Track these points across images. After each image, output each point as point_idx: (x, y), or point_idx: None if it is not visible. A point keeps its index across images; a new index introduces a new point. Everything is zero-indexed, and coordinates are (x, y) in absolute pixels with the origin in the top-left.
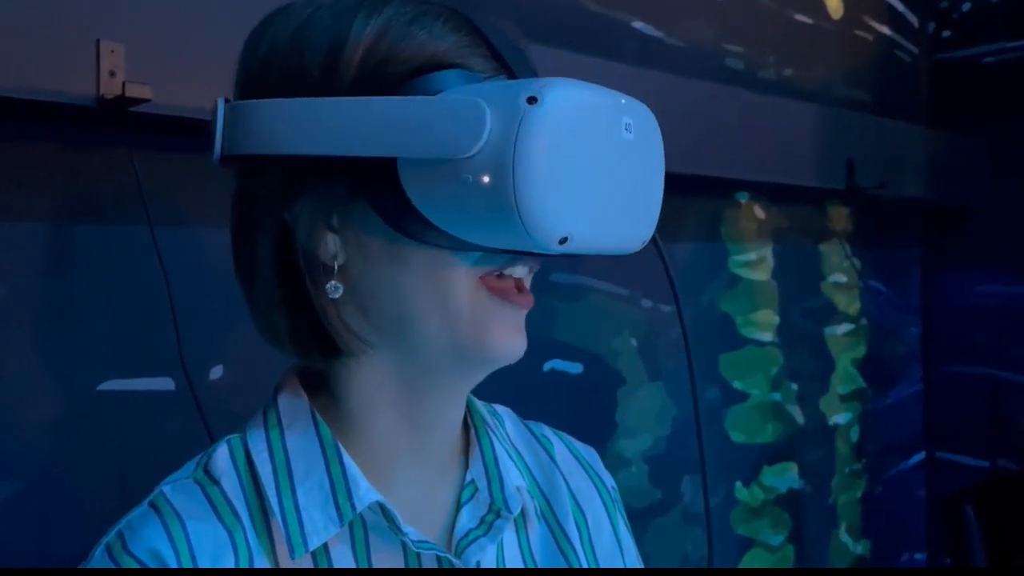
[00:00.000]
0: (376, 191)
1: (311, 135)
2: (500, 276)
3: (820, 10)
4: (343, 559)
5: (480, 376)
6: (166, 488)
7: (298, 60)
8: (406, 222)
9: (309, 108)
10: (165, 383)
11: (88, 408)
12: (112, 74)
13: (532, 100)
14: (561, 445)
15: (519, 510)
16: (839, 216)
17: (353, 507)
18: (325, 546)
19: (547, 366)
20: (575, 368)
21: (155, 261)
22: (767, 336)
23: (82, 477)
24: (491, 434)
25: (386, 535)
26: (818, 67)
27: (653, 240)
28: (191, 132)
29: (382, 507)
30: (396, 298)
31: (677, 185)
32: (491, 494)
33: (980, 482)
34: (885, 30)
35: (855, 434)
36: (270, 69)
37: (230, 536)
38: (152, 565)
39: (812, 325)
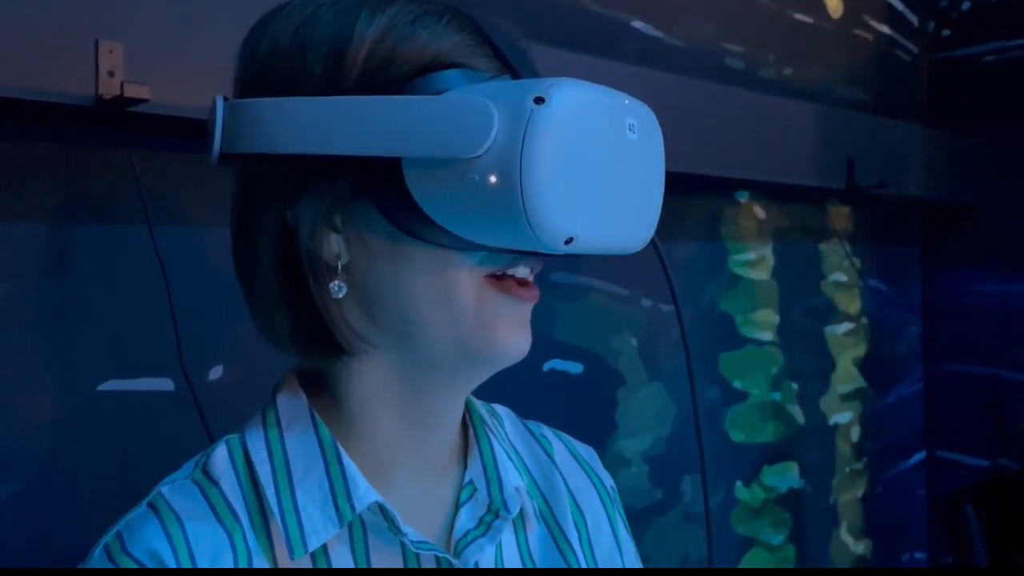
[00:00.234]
0: (380, 191)
1: (315, 134)
2: (503, 276)
3: (820, 9)
4: (342, 560)
5: (483, 377)
6: (165, 489)
7: (300, 59)
8: (410, 222)
9: (313, 107)
10: (165, 383)
11: (88, 408)
12: (111, 74)
13: (539, 100)
14: (560, 445)
15: (518, 510)
16: (839, 215)
17: (352, 508)
18: (324, 547)
19: (547, 366)
20: (575, 368)
21: (154, 261)
22: (767, 335)
23: (82, 477)
24: (490, 434)
25: (385, 535)
26: (818, 66)
27: (652, 240)
28: (190, 132)
29: (381, 508)
30: (399, 297)
31: (677, 184)
32: (490, 494)
33: (981, 481)
34: (885, 29)
35: (856, 433)
36: (271, 68)
37: (229, 537)
38: (151, 566)
39: (812, 324)
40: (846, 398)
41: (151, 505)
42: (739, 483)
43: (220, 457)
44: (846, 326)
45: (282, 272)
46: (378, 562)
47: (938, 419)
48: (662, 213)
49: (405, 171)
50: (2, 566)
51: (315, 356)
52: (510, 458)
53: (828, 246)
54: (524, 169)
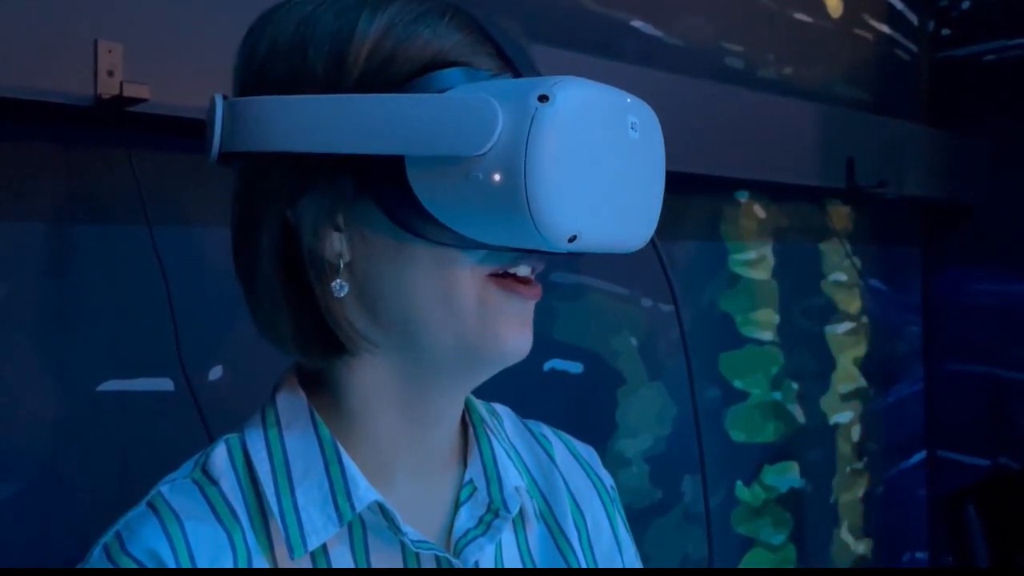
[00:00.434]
0: (383, 189)
1: (317, 132)
2: (504, 275)
3: (820, 9)
4: (342, 559)
5: (484, 376)
6: (164, 488)
7: (301, 57)
8: (413, 220)
9: (315, 105)
10: (164, 383)
11: (87, 408)
12: (110, 74)
13: (544, 98)
14: (560, 445)
15: (517, 510)
16: (839, 215)
17: (352, 507)
18: (324, 547)
19: (547, 366)
20: (575, 368)
21: (154, 261)
22: (767, 335)
23: (82, 477)
24: (490, 433)
25: (385, 535)
26: (818, 66)
27: (652, 242)
28: (189, 132)
29: (381, 507)
30: (402, 296)
31: (677, 184)
32: (490, 494)
33: (982, 481)
34: (885, 29)
35: (856, 433)
36: (271, 66)
37: (228, 536)
38: (150, 566)
39: (813, 324)
40: (846, 398)
41: (150, 504)
42: (739, 483)
43: (220, 456)
44: (846, 326)
45: (283, 271)
46: (378, 561)
47: (938, 419)
48: (662, 213)
49: (408, 170)
50: (2, 566)
51: (316, 355)
52: (510, 457)
53: (828, 246)
54: (528, 167)
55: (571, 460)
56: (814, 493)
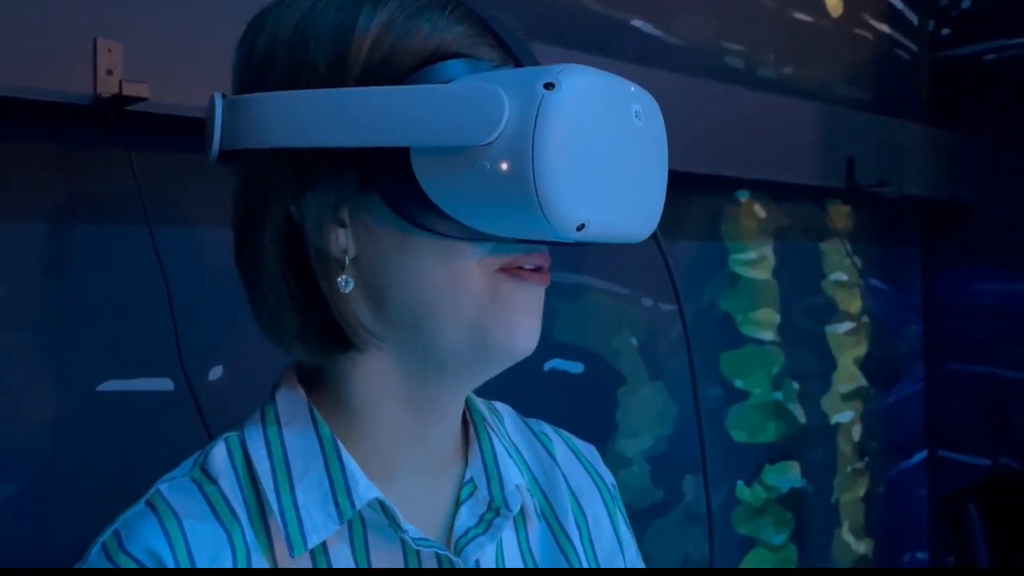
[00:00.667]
0: (388, 182)
1: (321, 127)
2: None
3: (819, 8)
4: (342, 558)
5: (489, 373)
6: (163, 486)
7: (302, 53)
8: (419, 213)
9: (318, 99)
10: (164, 383)
11: (88, 408)
12: (109, 72)
13: (549, 86)
14: (561, 442)
15: (518, 508)
16: (840, 214)
17: (352, 504)
18: (323, 545)
19: (547, 366)
20: (576, 368)
21: (154, 260)
22: (768, 335)
23: (82, 477)
24: (490, 431)
25: (385, 533)
26: (818, 65)
27: (655, 237)
28: (189, 130)
29: (382, 504)
30: (408, 290)
31: (677, 183)
32: (490, 492)
33: (983, 481)
34: (884, 28)
35: (857, 433)
36: (271, 62)
37: (228, 535)
38: (149, 565)
39: (813, 324)
40: (847, 397)
41: (149, 503)
42: (740, 483)
43: (219, 455)
44: (847, 325)
45: (288, 269)
46: (378, 560)
47: (939, 418)
48: (662, 212)
49: (413, 162)
50: (2, 566)
51: (321, 352)
52: (510, 455)
53: (829, 245)
54: (536, 155)
55: (572, 458)
56: (815, 493)
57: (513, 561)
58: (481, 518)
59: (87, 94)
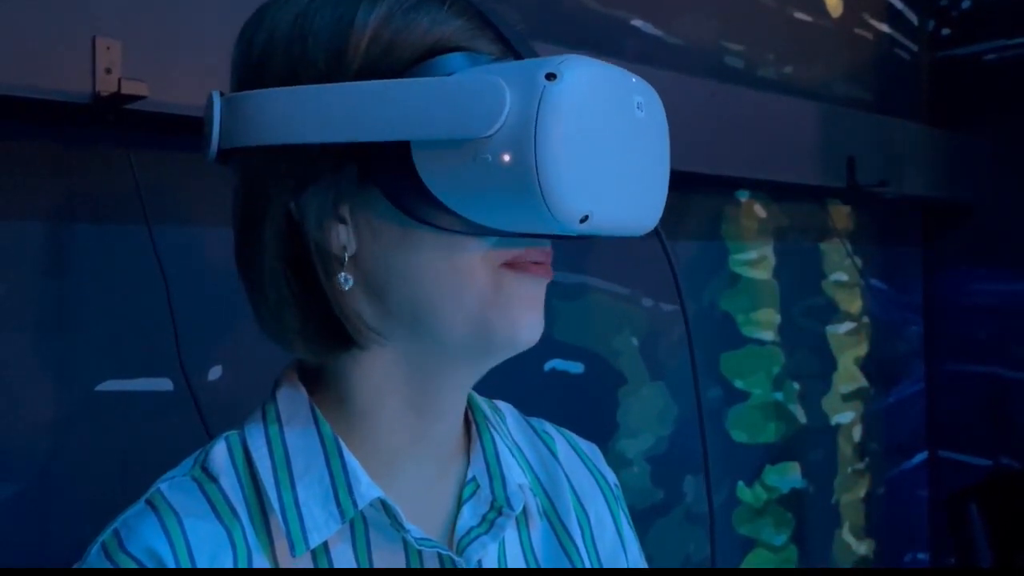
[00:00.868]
0: (389, 177)
1: (321, 122)
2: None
3: (820, 8)
4: (343, 558)
5: (492, 363)
6: (163, 486)
7: (300, 48)
8: (420, 207)
9: (318, 95)
10: (164, 383)
11: (87, 408)
12: (108, 71)
13: (551, 76)
14: (563, 441)
15: (521, 508)
16: (840, 214)
17: (355, 503)
18: (325, 544)
19: (548, 366)
20: (576, 368)
21: (153, 260)
22: (768, 335)
23: (81, 478)
24: (492, 430)
25: (387, 532)
26: (818, 65)
27: (658, 236)
28: (188, 129)
29: (384, 504)
30: (410, 286)
31: (677, 183)
32: (493, 491)
33: (984, 481)
34: (884, 28)
35: (857, 433)
36: (270, 58)
37: (228, 534)
38: (149, 564)
39: (813, 324)
40: (848, 398)
41: (149, 502)
42: (741, 483)
43: (219, 453)
44: (847, 325)
45: (289, 267)
46: (380, 559)
47: (940, 419)
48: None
49: (414, 155)
50: (1, 566)
51: (323, 350)
52: (513, 454)
53: (829, 245)
54: (539, 146)
55: (574, 457)
56: (816, 493)
57: (515, 561)
58: (483, 517)
59: (86, 93)
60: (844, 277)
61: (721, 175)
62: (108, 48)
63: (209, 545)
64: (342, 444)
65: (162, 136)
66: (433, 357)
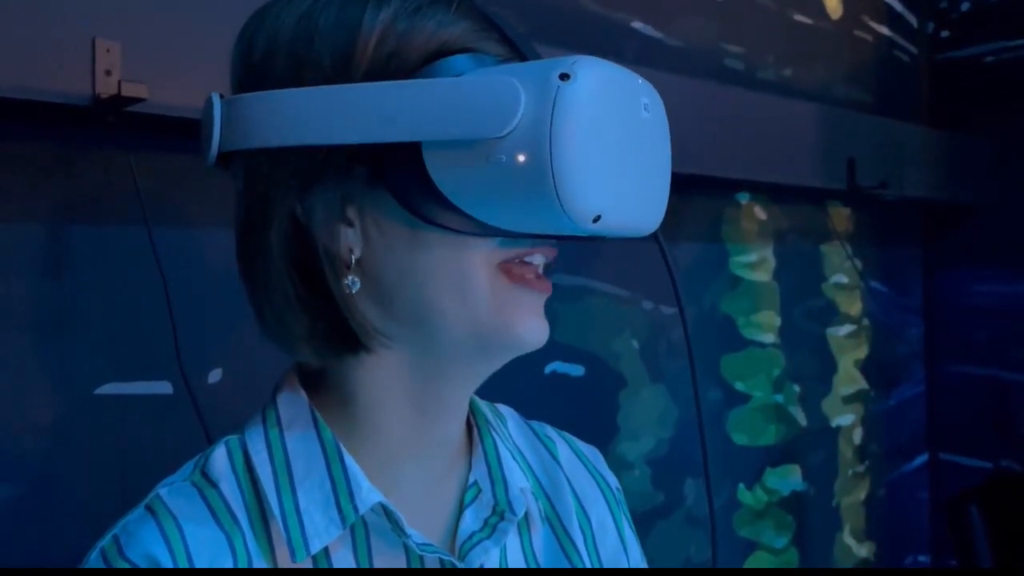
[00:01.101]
0: (399, 178)
1: (330, 123)
2: (517, 265)
3: (819, 10)
4: (344, 563)
5: (496, 365)
6: (163, 491)
7: (305, 50)
8: (430, 209)
9: (326, 96)
10: (163, 386)
11: (86, 411)
12: (108, 73)
13: (565, 76)
14: (564, 445)
15: (523, 512)
16: (840, 216)
17: (355, 509)
18: (326, 550)
19: (548, 368)
20: (576, 370)
21: (153, 262)
22: (769, 337)
23: (81, 480)
24: (494, 434)
25: (388, 537)
26: (818, 67)
27: (657, 239)
28: (188, 131)
29: (385, 509)
30: (416, 287)
31: (677, 185)
32: (495, 496)
33: (985, 483)
34: (884, 30)
35: (858, 436)
36: (272, 61)
37: (228, 540)
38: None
39: (814, 326)
40: (848, 400)
41: (149, 508)
42: (741, 486)
43: (219, 458)
44: (848, 328)
45: (294, 270)
46: (381, 565)
47: (940, 421)
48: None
49: (426, 157)
50: (1, 566)
51: (328, 353)
52: (514, 458)
53: (829, 247)
54: (554, 146)
55: (575, 461)
56: (816, 496)
57: (517, 566)
58: (485, 522)
59: (86, 94)
60: (844, 279)
61: (721, 177)
62: (108, 50)
63: (209, 551)
64: (343, 448)
65: (162, 138)
66: (438, 359)
